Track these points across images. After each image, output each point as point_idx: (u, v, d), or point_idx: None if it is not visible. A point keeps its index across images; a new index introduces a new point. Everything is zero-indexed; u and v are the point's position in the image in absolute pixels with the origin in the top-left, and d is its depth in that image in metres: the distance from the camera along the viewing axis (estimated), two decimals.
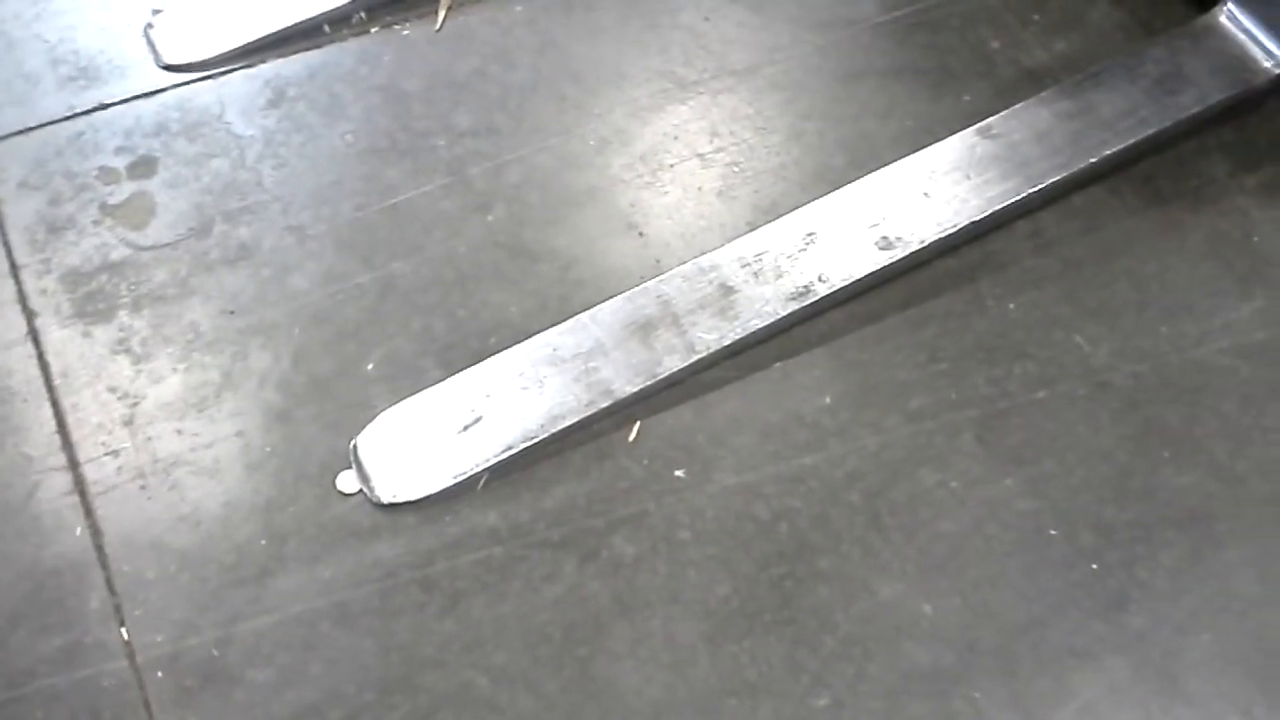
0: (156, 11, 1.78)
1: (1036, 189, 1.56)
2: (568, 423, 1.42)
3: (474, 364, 1.47)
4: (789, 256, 1.52)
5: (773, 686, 1.28)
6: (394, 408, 1.44)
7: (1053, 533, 1.38)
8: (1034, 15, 1.82)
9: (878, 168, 1.63)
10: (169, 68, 1.73)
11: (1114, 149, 1.59)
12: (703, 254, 1.54)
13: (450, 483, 1.39)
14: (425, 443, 1.41)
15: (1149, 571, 1.36)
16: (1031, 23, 1.81)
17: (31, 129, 1.66)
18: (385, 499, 1.38)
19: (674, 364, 1.44)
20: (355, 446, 1.41)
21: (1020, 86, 1.73)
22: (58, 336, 1.48)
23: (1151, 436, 1.45)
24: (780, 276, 1.50)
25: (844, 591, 1.34)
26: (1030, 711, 1.27)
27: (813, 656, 1.30)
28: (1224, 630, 1.32)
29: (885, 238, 1.53)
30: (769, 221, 1.57)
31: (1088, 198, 1.63)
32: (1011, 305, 1.54)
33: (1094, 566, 1.36)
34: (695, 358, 1.45)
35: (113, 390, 1.45)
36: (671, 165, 1.67)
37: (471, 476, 1.39)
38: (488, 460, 1.40)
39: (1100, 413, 1.46)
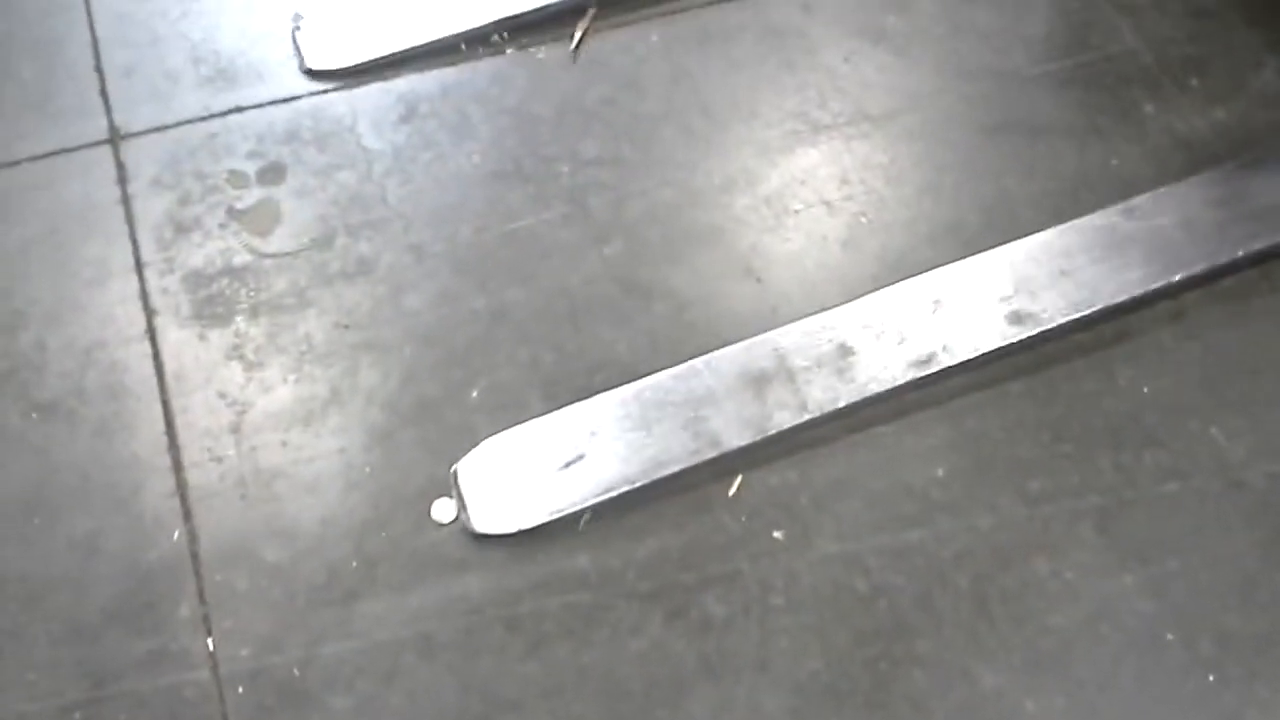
0: (300, 16, 1.80)
1: (1178, 278, 1.49)
2: (671, 470, 1.39)
3: (578, 400, 1.44)
4: (913, 322, 1.46)
5: None
6: (497, 436, 1.42)
7: (1170, 637, 1.30)
8: (1193, 80, 1.73)
9: (1013, 229, 1.57)
10: (311, 73, 1.75)
11: (1264, 244, 1.51)
12: (822, 308, 1.49)
13: (546, 519, 1.36)
14: (525, 475, 1.39)
15: (1271, 689, 1.27)
16: (1189, 88, 1.72)
17: (168, 127, 1.69)
18: (480, 529, 1.36)
19: (785, 420, 1.40)
20: (456, 472, 1.40)
21: (1172, 155, 1.65)
22: (175, 337, 1.50)
23: None
24: (902, 342, 1.45)
25: (942, 678, 1.28)
26: None
27: None
28: None
29: (1016, 312, 1.46)
30: (894, 279, 1.52)
31: (1238, 280, 1.54)
32: (1146, 388, 1.46)
33: (1211, 678, 1.28)
34: (807, 417, 1.40)
35: (223, 396, 1.46)
36: (797, 211, 1.62)
37: (568, 515, 1.37)
38: (586, 500, 1.37)
39: (1232, 513, 1.38)
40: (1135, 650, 1.30)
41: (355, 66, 1.75)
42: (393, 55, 1.76)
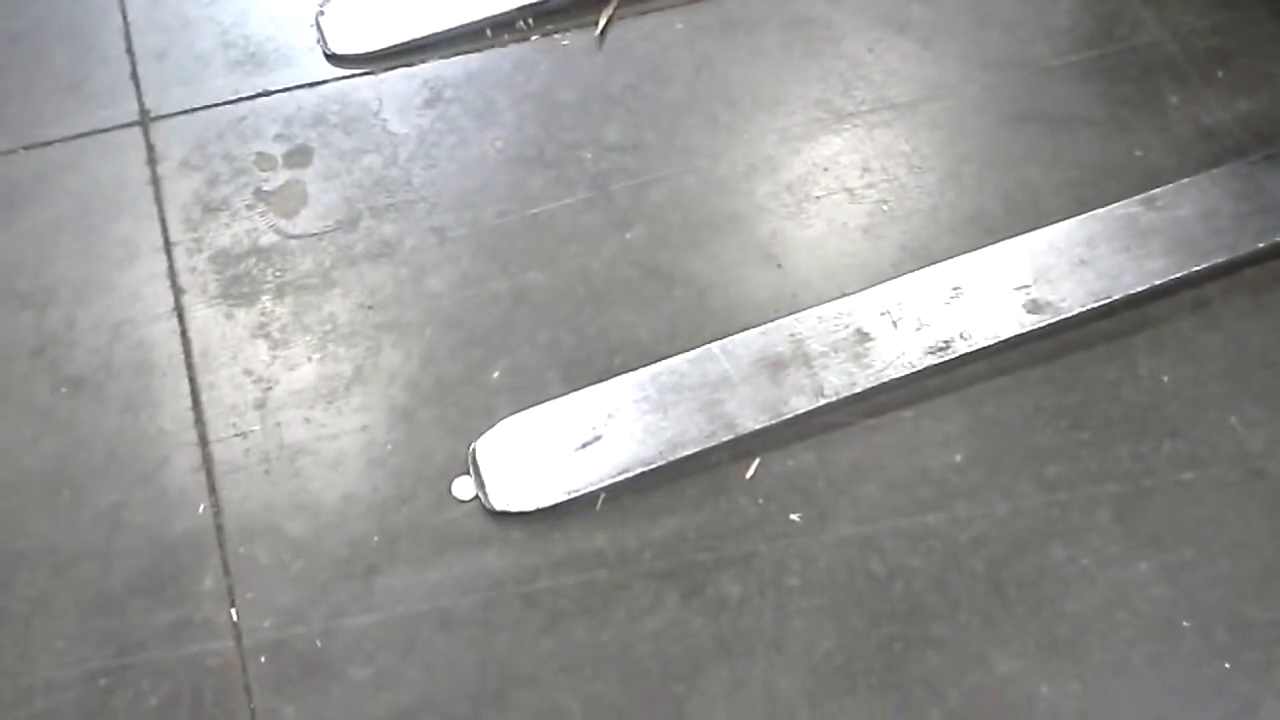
0: (324, 1, 1.82)
1: (1198, 269, 1.49)
2: (686, 453, 1.39)
3: (597, 382, 1.46)
4: (932, 309, 1.46)
5: None
6: (515, 416, 1.43)
7: (1186, 625, 1.30)
8: (1218, 71, 1.73)
9: (1035, 218, 1.57)
10: (334, 58, 1.76)
11: None
12: (842, 294, 1.50)
13: (562, 498, 1.38)
14: (543, 455, 1.40)
15: None
16: (1215, 80, 1.72)
17: (197, 109, 1.71)
18: (498, 506, 1.38)
19: (800, 405, 1.41)
20: (474, 451, 1.42)
21: (1195, 146, 1.65)
22: (201, 315, 1.52)
23: None
24: (920, 329, 1.45)
25: (956, 662, 1.28)
26: None
27: None
28: None
29: (1034, 301, 1.46)
30: (915, 267, 1.53)
31: (1261, 271, 1.53)
32: (1166, 377, 1.46)
33: (1227, 666, 1.28)
34: (822, 401, 1.41)
35: (248, 373, 1.48)
36: (818, 198, 1.63)
37: (584, 495, 1.38)
38: (602, 481, 1.38)
39: (1250, 502, 1.38)
40: (1151, 637, 1.30)
41: (379, 51, 1.77)
42: (418, 40, 1.77)
